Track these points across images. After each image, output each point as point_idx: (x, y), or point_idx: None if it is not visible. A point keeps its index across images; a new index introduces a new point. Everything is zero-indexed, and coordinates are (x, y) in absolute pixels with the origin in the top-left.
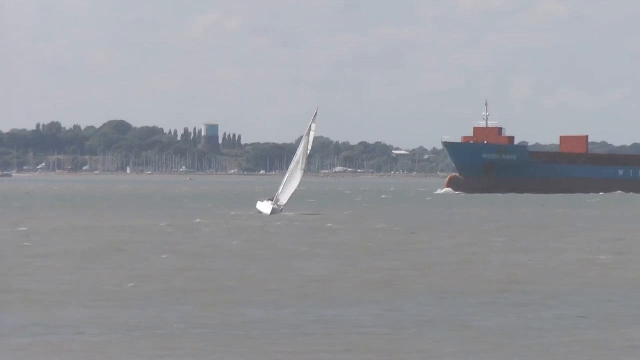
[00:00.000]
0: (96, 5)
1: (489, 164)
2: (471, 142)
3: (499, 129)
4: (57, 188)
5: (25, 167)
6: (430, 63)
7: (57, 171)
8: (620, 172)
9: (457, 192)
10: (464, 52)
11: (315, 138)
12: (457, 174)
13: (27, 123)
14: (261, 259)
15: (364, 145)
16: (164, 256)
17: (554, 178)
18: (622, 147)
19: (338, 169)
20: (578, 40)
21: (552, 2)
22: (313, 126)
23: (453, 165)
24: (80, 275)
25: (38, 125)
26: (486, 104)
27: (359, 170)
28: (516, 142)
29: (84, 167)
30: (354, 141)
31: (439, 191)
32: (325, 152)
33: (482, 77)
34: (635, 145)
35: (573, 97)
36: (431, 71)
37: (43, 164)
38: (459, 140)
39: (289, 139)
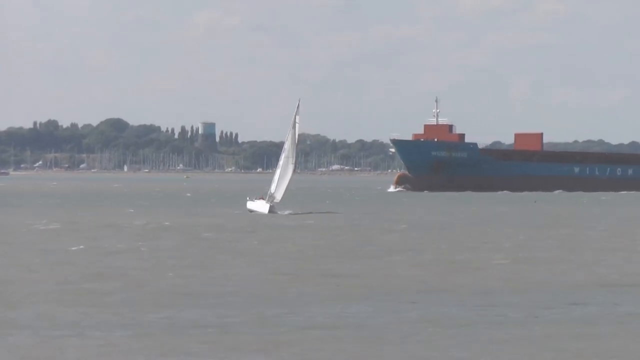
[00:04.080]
0: (94, 5)
1: (439, 162)
2: (421, 139)
3: (450, 127)
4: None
5: (22, 166)
6: (429, 62)
7: (54, 169)
8: (577, 169)
9: (402, 189)
10: (464, 51)
11: (312, 136)
12: (407, 172)
13: (25, 121)
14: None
15: (361, 143)
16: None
17: (507, 176)
18: (620, 145)
19: (335, 167)
20: (578, 40)
21: (552, 2)
22: (297, 119)
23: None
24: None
25: (35, 123)
26: (437, 101)
27: (356, 169)
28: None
29: (81, 166)
30: (351, 139)
31: (391, 189)
32: (322, 150)
33: (481, 77)
34: (633, 143)
35: (572, 96)
36: (430, 71)
37: (40, 162)
38: (410, 137)
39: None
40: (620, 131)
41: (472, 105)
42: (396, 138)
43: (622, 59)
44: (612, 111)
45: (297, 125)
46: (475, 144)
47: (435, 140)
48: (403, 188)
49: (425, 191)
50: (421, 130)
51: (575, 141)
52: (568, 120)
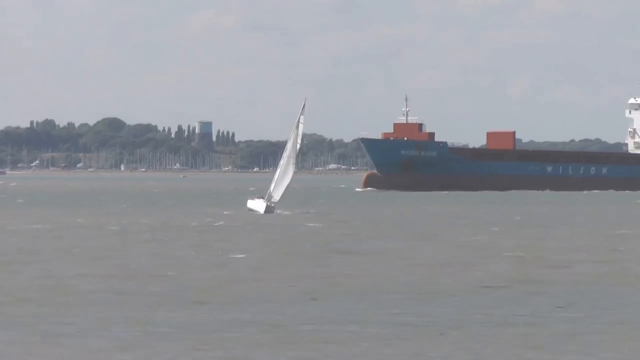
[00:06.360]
0: (92, 4)
1: (408, 161)
2: (390, 138)
3: (420, 125)
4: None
5: (19, 165)
6: (428, 61)
7: (51, 169)
8: (549, 169)
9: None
10: (462, 49)
11: (309, 135)
12: (376, 172)
13: (22, 121)
14: None
15: (358, 142)
16: None
17: (478, 175)
18: (617, 144)
19: (332, 166)
20: (576, 37)
21: (551, 0)
22: (302, 119)
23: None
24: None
25: (32, 123)
26: (406, 100)
27: (352, 168)
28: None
29: (78, 165)
30: (348, 138)
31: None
32: (319, 150)
33: (480, 75)
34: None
35: (571, 95)
36: (429, 69)
37: (37, 162)
38: (379, 136)
39: (283, 137)
40: (619, 130)
41: (472, 104)
42: (365, 137)
43: (621, 57)
44: (610, 110)
45: (300, 125)
46: (445, 143)
47: (405, 139)
48: (371, 189)
49: (393, 190)
50: (390, 129)
51: (572, 140)
52: (566, 119)
